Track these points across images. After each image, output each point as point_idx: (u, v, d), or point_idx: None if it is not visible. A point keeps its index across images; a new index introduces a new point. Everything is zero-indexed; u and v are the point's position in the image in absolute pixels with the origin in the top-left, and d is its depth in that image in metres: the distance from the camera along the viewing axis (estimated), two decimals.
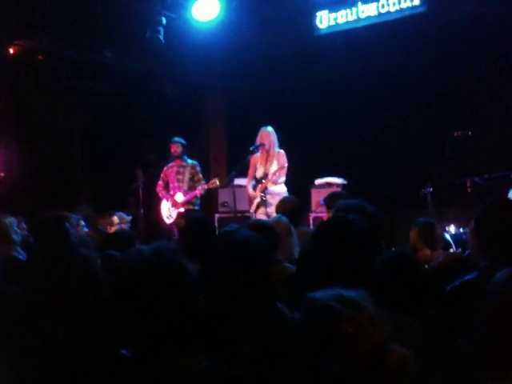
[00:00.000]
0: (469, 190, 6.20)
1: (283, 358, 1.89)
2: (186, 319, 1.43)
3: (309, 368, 1.33)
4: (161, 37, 7.89)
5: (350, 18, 8.02)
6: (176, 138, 7.55)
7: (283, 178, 6.58)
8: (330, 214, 4.34)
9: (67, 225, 3.53)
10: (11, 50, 8.53)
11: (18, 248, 3.90)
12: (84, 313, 1.60)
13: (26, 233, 4.68)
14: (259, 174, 6.70)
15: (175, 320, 1.41)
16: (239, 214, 7.15)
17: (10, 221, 4.06)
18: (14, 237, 3.94)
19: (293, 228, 4.04)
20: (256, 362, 1.87)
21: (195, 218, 3.82)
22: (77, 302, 1.61)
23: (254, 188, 6.72)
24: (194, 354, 1.47)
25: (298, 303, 2.32)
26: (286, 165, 6.48)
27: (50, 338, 1.54)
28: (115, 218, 5.46)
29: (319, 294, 1.40)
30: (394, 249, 3.32)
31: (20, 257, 3.80)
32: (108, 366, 1.52)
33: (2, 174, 8.31)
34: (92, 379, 1.47)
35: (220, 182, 7.31)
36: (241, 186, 7.50)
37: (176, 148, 7.48)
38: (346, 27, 8.09)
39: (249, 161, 6.78)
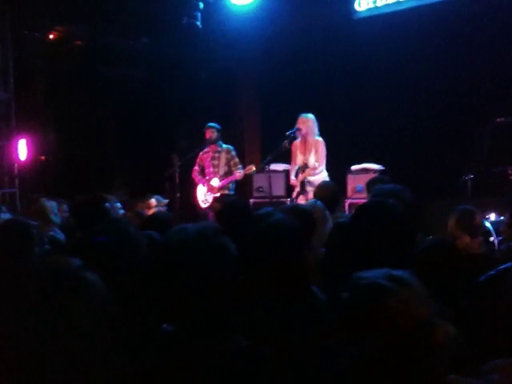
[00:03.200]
0: (510, 178, 6.04)
1: (317, 339, 1.90)
2: (225, 297, 1.45)
3: (353, 345, 1.34)
4: (198, 23, 7.90)
5: (390, 1, 7.87)
6: (211, 124, 7.55)
7: (322, 167, 6.57)
8: None
9: (108, 206, 3.61)
10: (51, 36, 8.68)
11: (57, 229, 4.03)
12: (132, 288, 1.64)
13: (67, 215, 4.81)
14: (298, 162, 6.74)
15: (215, 297, 1.43)
16: (274, 200, 7.14)
17: (50, 203, 4.24)
18: (53, 218, 4.09)
19: (328, 213, 4.02)
20: (290, 343, 1.88)
21: (231, 202, 3.83)
22: (126, 277, 1.66)
23: (296, 175, 6.75)
24: (233, 332, 1.49)
25: (329, 283, 2.32)
26: (324, 155, 6.50)
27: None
28: (153, 201, 5.54)
29: (367, 273, 1.42)
30: (432, 237, 3.26)
31: (58, 236, 3.91)
32: (150, 341, 1.55)
33: (43, 158, 8.50)
34: (135, 353, 1.50)
35: (255, 167, 7.31)
36: (276, 171, 7.48)
37: (211, 133, 7.49)
38: (385, 10, 7.95)
39: (290, 148, 6.77)
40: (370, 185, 4.58)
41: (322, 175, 6.59)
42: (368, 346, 1.31)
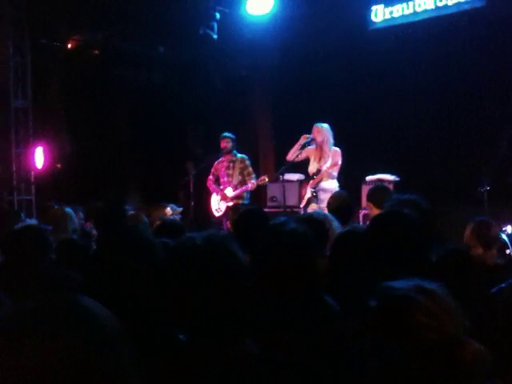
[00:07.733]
0: None
1: (329, 347, 1.89)
2: (234, 303, 1.45)
3: (375, 355, 1.33)
4: (214, 33, 7.95)
5: (406, 12, 7.89)
6: (226, 133, 7.57)
7: (335, 173, 6.54)
8: (373, 211, 4.30)
9: (127, 212, 3.63)
10: (68, 45, 8.80)
11: (75, 236, 4.06)
12: (148, 296, 1.66)
13: (83, 222, 4.85)
14: (312, 169, 6.66)
15: (224, 303, 1.44)
16: (288, 209, 7.13)
17: (69, 211, 4.28)
18: (72, 226, 4.12)
19: (337, 223, 3.99)
20: (301, 350, 1.89)
21: (248, 211, 3.83)
22: (143, 284, 1.67)
23: (306, 181, 6.71)
24: (244, 338, 1.49)
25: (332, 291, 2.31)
26: (340, 163, 6.42)
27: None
28: (168, 210, 5.53)
29: (398, 283, 1.40)
30: (450, 246, 3.23)
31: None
32: (166, 349, 1.56)
33: (59, 165, 8.58)
34: (151, 362, 1.51)
35: (268, 177, 7.31)
36: (290, 181, 7.46)
37: (226, 143, 7.51)
38: (401, 21, 7.97)
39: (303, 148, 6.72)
40: (372, 195, 4.54)
41: (334, 182, 6.57)
42: (392, 357, 1.29)
